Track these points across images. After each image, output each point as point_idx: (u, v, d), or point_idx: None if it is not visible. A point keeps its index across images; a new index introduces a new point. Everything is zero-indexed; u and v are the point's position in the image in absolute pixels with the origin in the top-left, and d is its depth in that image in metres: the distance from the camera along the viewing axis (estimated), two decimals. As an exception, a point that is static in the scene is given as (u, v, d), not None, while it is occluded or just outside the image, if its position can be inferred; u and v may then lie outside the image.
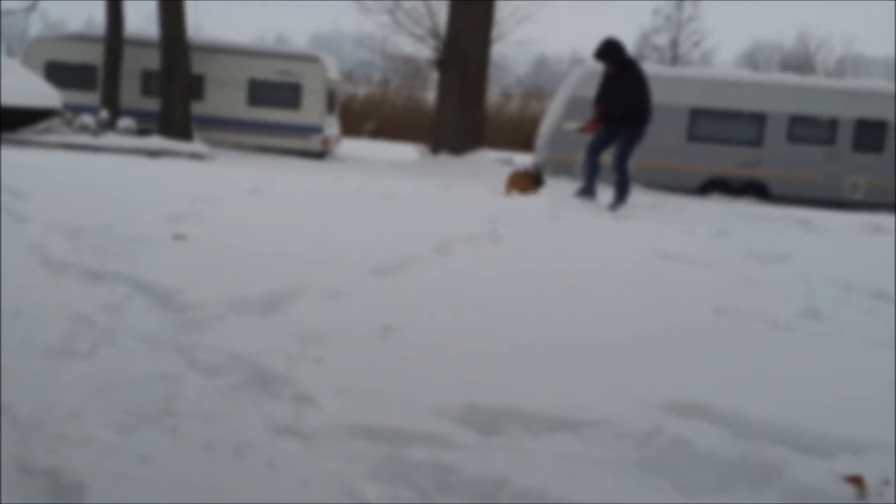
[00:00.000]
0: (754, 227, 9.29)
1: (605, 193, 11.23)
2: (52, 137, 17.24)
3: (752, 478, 2.68)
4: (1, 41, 29.76)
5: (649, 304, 5.14)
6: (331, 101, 22.93)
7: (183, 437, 2.70)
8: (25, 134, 17.55)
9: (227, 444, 2.65)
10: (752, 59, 61.54)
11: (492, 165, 19.14)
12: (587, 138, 11.32)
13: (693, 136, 18.29)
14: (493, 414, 3.12)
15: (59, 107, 18.30)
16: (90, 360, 3.54)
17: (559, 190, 11.90)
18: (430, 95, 29.87)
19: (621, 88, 10.96)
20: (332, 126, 23.21)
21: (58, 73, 21.00)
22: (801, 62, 54.69)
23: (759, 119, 18.20)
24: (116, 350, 3.69)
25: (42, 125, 18.19)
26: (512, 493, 2.34)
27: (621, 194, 10.98)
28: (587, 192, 11.14)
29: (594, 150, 11.18)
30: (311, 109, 21.90)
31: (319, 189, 9.77)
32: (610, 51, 11.00)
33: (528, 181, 11.72)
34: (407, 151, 23.36)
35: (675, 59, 45.02)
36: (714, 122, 18.28)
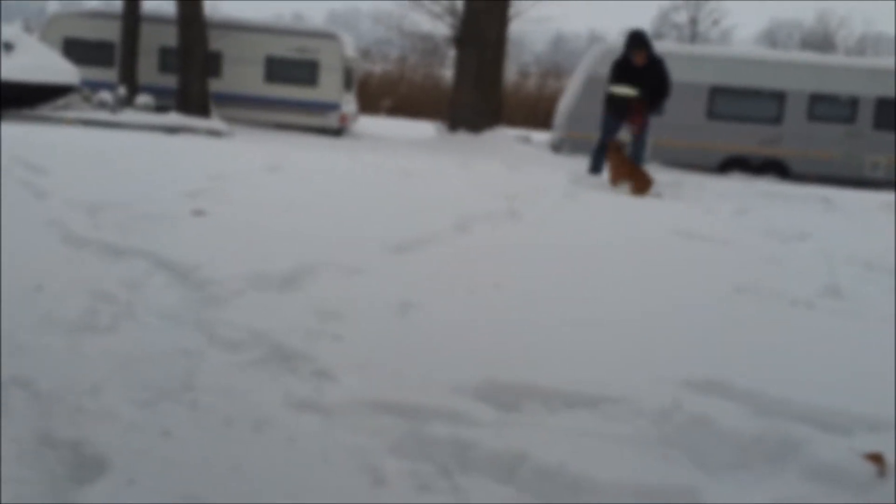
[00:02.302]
0: (774, 205, 9.23)
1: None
2: (70, 114, 17.30)
3: (772, 455, 2.68)
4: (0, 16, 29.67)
5: (669, 281, 5.12)
6: (348, 78, 22.89)
7: (203, 412, 2.71)
8: (44, 110, 17.61)
9: (247, 418, 2.66)
10: (771, 37, 61.04)
11: (509, 143, 19.10)
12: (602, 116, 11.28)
13: (713, 115, 18.20)
14: (511, 390, 3.13)
15: (77, 83, 18.34)
16: (111, 335, 3.56)
17: (578, 168, 11.87)
18: (448, 73, 29.79)
19: (658, 78, 10.95)
20: (349, 103, 23.18)
21: (76, 50, 21.05)
22: (821, 40, 54.22)
23: (779, 97, 18.08)
24: (137, 325, 3.70)
25: (61, 101, 18.26)
26: (531, 469, 2.34)
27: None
28: (596, 170, 11.16)
29: (609, 134, 11.13)
30: (329, 86, 21.88)
31: (337, 166, 9.77)
32: (646, 40, 11.08)
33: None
34: (424, 129, 23.31)
35: (694, 37, 44.70)
36: (734, 101, 18.17)
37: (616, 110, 11.01)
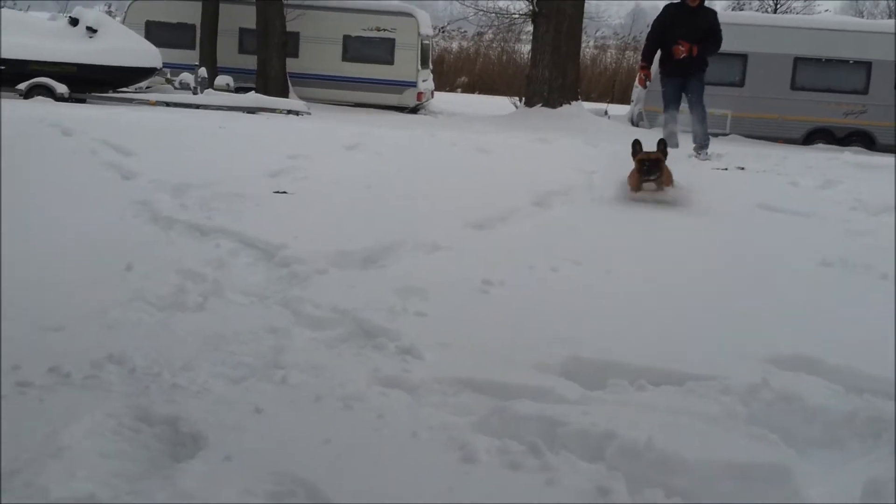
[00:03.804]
0: (860, 177, 8.99)
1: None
2: (153, 96, 17.64)
3: (864, 433, 2.62)
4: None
5: (754, 255, 5.04)
6: (424, 56, 22.91)
7: (293, 389, 2.75)
8: (128, 93, 17.99)
9: (336, 395, 2.69)
10: (856, 7, 59.24)
11: (587, 118, 18.93)
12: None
13: (797, 86, 17.81)
14: (595, 367, 3.11)
15: (159, 66, 18.68)
16: (200, 313, 3.63)
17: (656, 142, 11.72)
18: (524, 48, 29.59)
19: (711, 24, 10.85)
20: (425, 80, 23.20)
21: (157, 33, 21.45)
22: (907, 9, 52.42)
23: (864, 67, 17.61)
24: (224, 304, 3.77)
25: (143, 84, 18.62)
26: (619, 447, 2.32)
27: (705, 140, 10.88)
28: (671, 142, 11.06)
29: (674, 103, 11.03)
30: (405, 64, 21.95)
31: (415, 144, 9.79)
32: None
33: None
34: (501, 105, 23.23)
35: (776, 7, 43.56)
36: (819, 71, 17.77)
37: (672, 66, 10.92)
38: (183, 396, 2.62)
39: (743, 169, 9.44)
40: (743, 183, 8.06)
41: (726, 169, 9.33)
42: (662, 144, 6.85)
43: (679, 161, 9.48)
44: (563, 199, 6.49)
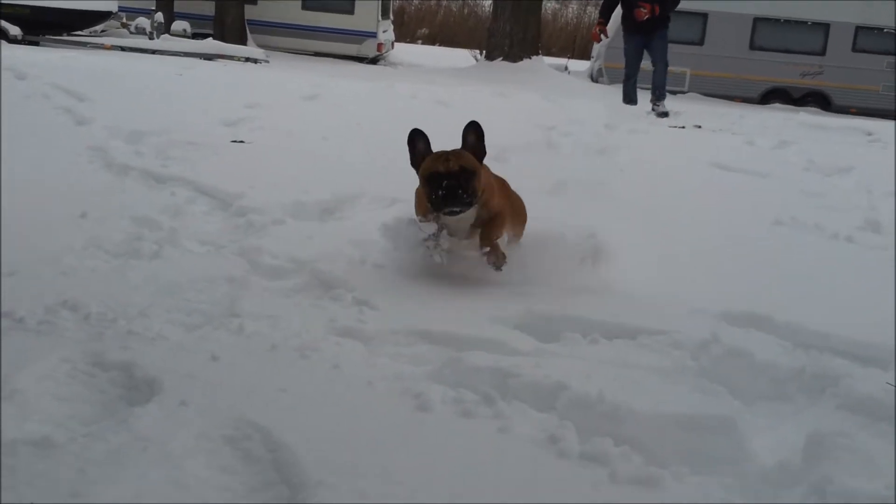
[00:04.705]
0: (816, 138, 9.12)
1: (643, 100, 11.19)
2: (108, 40, 17.30)
3: (810, 387, 2.69)
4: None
5: (707, 214, 5.11)
6: (385, 7, 22.68)
7: (249, 338, 2.76)
8: (83, 36, 17.64)
9: (291, 345, 2.71)
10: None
11: (548, 73, 18.89)
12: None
13: (755, 45, 17.92)
14: (549, 320, 3.16)
15: (115, 9, 18.32)
16: (155, 260, 3.62)
17: (616, 99, 11.77)
18: (486, 2, 29.37)
19: None
20: (386, 31, 22.99)
21: (113, -24, 20.99)
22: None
23: (822, 29, 17.75)
24: (180, 252, 3.76)
25: (99, 27, 18.26)
26: (571, 398, 2.36)
27: (663, 91, 10.99)
28: (630, 101, 11.17)
29: (635, 61, 11.13)
30: (366, 15, 21.72)
31: (374, 95, 9.73)
32: None
33: None
34: (461, 58, 23.10)
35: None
36: (777, 32, 17.88)
37: (634, 25, 10.99)
38: (138, 343, 2.62)
39: (700, 127, 9.52)
40: (699, 142, 8.12)
41: (683, 127, 9.40)
42: (473, 133, 3.59)
43: (638, 119, 9.56)
44: (522, 153, 6.49)
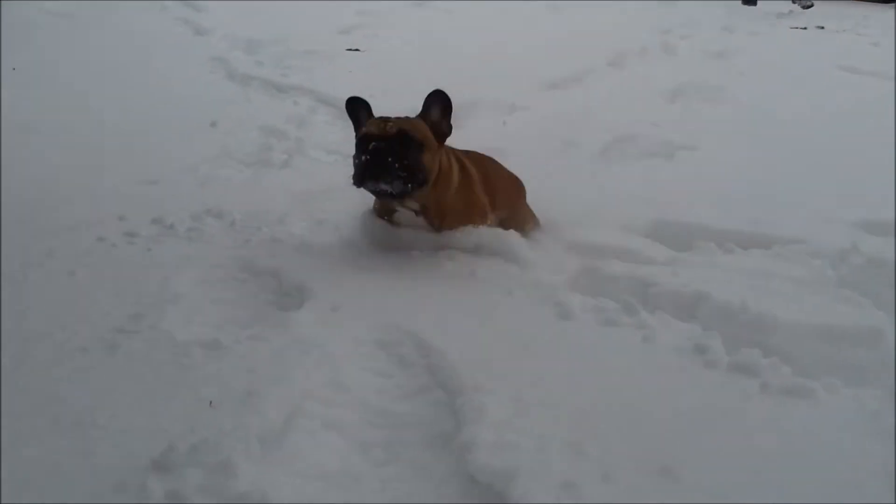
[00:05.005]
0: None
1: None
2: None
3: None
4: None
5: (837, 120, 4.93)
6: None
7: (388, 246, 2.78)
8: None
9: (438, 254, 2.72)
10: None
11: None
12: None
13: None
14: (682, 230, 3.12)
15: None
16: (285, 169, 3.70)
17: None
18: None
19: None
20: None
21: None
22: None
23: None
24: (309, 161, 3.82)
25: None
26: (713, 308, 2.34)
27: None
28: (750, 1, 10.83)
29: None
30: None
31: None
32: None
33: None
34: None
35: None
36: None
37: None
38: (283, 250, 2.69)
39: (822, 28, 9.15)
40: (823, 43, 7.81)
41: (805, 28, 9.05)
42: (439, 104, 2.95)
43: (758, 20, 9.23)
44: (639, 58, 6.36)
